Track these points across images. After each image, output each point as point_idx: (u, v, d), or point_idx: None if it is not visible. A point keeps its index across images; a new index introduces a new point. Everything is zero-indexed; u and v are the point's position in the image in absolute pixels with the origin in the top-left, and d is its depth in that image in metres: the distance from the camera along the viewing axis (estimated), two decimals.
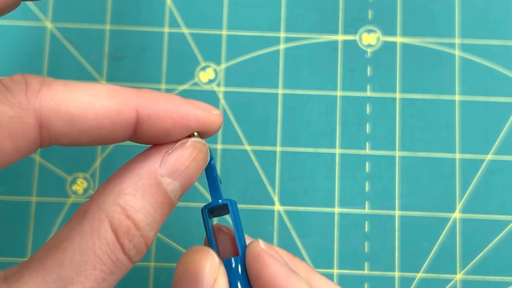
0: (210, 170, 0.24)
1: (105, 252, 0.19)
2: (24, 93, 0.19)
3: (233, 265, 0.23)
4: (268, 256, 0.22)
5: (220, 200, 0.24)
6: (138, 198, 0.20)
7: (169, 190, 0.21)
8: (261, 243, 0.23)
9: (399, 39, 0.34)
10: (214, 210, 0.24)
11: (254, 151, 0.33)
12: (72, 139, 0.20)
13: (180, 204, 0.32)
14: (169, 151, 0.21)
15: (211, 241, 0.23)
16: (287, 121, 0.33)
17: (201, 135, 0.23)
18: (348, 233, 0.32)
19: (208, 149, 0.23)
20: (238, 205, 0.32)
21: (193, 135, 0.22)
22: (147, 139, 0.22)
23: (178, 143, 0.22)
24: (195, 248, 0.23)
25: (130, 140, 0.22)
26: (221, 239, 0.25)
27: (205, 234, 0.24)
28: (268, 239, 0.32)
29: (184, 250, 0.32)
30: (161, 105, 0.21)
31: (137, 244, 0.20)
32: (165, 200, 0.21)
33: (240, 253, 0.23)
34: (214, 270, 0.22)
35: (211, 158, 0.24)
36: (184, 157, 0.21)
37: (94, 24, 0.34)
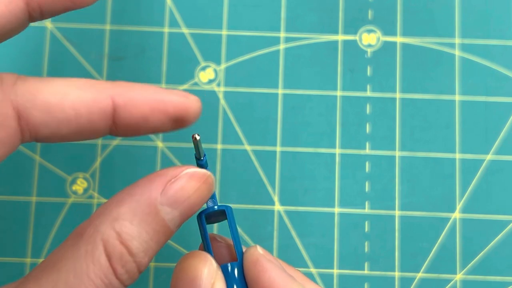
0: None
1: (98, 275, 0.20)
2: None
3: (230, 270, 0.23)
4: (266, 261, 0.22)
5: (216, 206, 0.24)
6: (135, 225, 0.20)
7: (167, 219, 0.21)
8: (259, 249, 0.23)
9: (399, 39, 0.34)
10: (209, 216, 0.24)
11: (254, 151, 0.33)
12: (51, 129, 0.20)
13: None
14: (173, 180, 0.21)
15: (208, 246, 0.23)
16: (287, 121, 0.33)
17: (181, 122, 0.22)
18: (348, 233, 0.32)
19: (214, 179, 0.23)
20: (238, 205, 0.32)
21: (195, 139, 0.22)
22: (127, 129, 0.22)
23: (183, 172, 0.21)
24: (192, 253, 0.23)
25: (112, 133, 0.22)
26: (216, 247, 0.24)
27: (201, 240, 0.24)
28: (268, 239, 0.32)
29: (184, 250, 0.32)
30: (136, 92, 0.21)
31: (130, 269, 0.20)
32: (162, 229, 0.21)
33: (238, 259, 0.23)
34: (211, 275, 0.22)
35: (206, 165, 0.24)
36: (187, 188, 0.21)
37: (94, 24, 0.34)
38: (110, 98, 0.21)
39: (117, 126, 0.21)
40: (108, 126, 0.21)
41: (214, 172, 0.32)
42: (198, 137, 0.23)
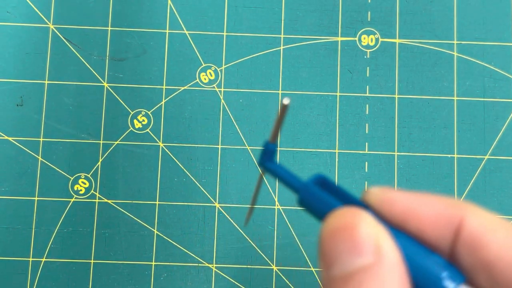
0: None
1: None
2: None
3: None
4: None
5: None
6: None
7: None
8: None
9: (397, 40, 0.34)
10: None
11: (254, 151, 0.33)
12: None
13: (180, 203, 0.32)
14: None
15: (355, 201, 0.18)
16: (287, 121, 0.33)
17: None
18: None
19: None
20: (238, 205, 0.33)
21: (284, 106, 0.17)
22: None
23: None
24: (344, 209, 0.18)
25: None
26: None
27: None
28: (268, 238, 0.32)
29: (185, 250, 0.32)
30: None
31: None
32: None
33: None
34: (374, 230, 0.17)
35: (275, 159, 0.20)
36: None
37: (96, 25, 0.34)
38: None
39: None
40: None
41: (214, 172, 0.33)
42: (287, 102, 0.18)
